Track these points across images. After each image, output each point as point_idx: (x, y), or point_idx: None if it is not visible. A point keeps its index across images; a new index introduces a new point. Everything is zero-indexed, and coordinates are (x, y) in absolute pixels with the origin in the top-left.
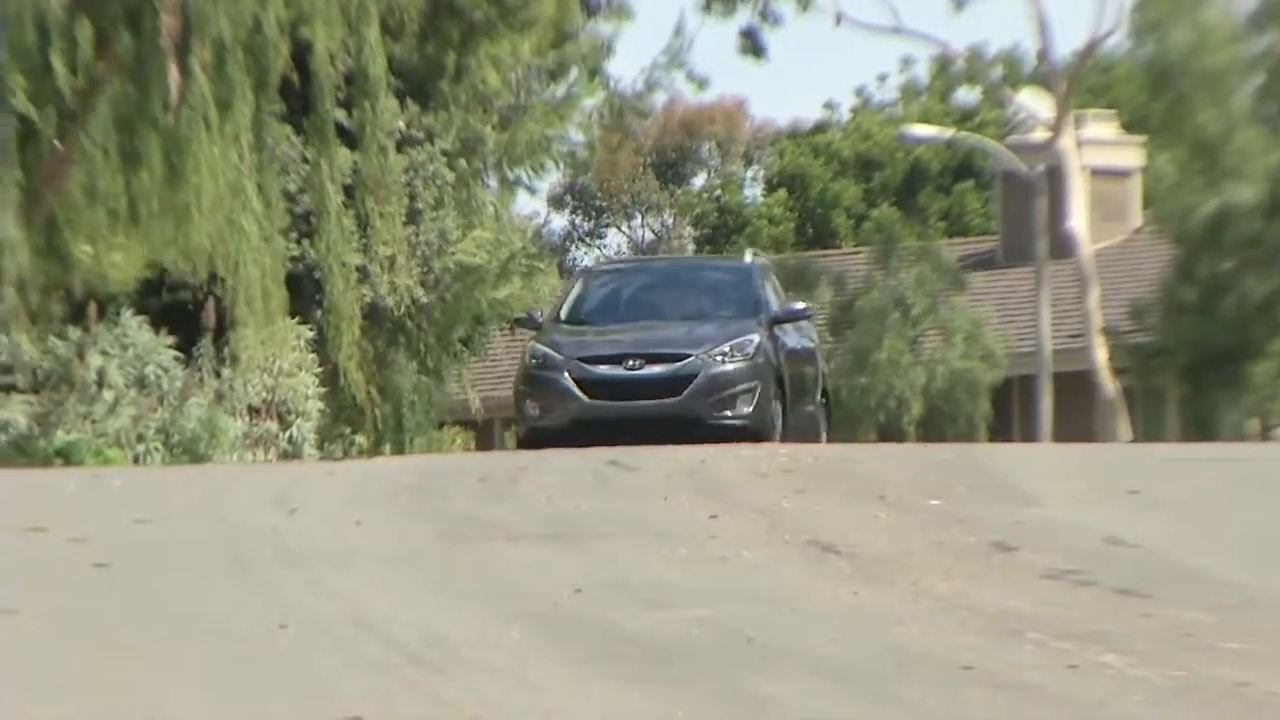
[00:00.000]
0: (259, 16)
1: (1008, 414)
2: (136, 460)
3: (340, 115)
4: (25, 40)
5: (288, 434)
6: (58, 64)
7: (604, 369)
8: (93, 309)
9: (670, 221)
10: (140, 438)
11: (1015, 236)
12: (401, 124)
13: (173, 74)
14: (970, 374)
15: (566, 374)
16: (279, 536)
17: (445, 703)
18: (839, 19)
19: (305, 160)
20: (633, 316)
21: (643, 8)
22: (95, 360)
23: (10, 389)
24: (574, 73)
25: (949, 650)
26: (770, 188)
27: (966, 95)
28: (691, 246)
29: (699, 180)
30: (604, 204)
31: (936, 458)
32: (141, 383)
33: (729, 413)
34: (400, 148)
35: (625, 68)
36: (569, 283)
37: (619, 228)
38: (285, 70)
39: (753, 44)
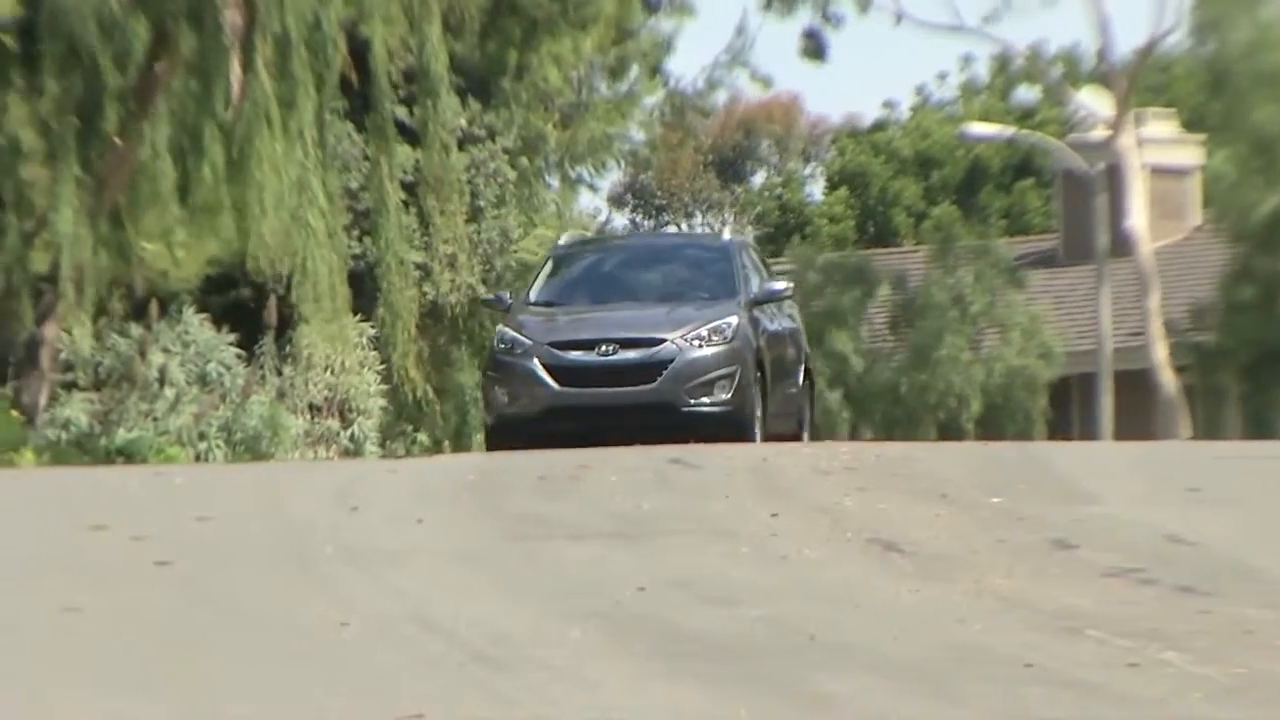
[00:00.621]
0: (319, 14)
1: (1068, 412)
2: (198, 458)
3: (402, 113)
4: (82, 35)
5: (349, 432)
6: (105, 61)
7: (575, 355)
8: (154, 306)
9: (731, 219)
10: (202, 435)
11: (1076, 234)
12: (463, 122)
13: (235, 70)
14: (1029, 371)
15: (536, 360)
16: (340, 534)
17: (507, 701)
18: (899, 18)
19: (366, 158)
20: (605, 298)
21: (703, 4)
22: (157, 358)
23: (71, 386)
24: (635, 70)
25: (1010, 648)
26: (831, 186)
27: (1026, 94)
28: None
29: (759, 178)
30: (664, 202)
31: (997, 456)
32: (203, 380)
33: (707, 399)
34: (462, 145)
35: (686, 65)
36: (539, 261)
37: (679, 226)
38: (344, 68)
39: (814, 45)
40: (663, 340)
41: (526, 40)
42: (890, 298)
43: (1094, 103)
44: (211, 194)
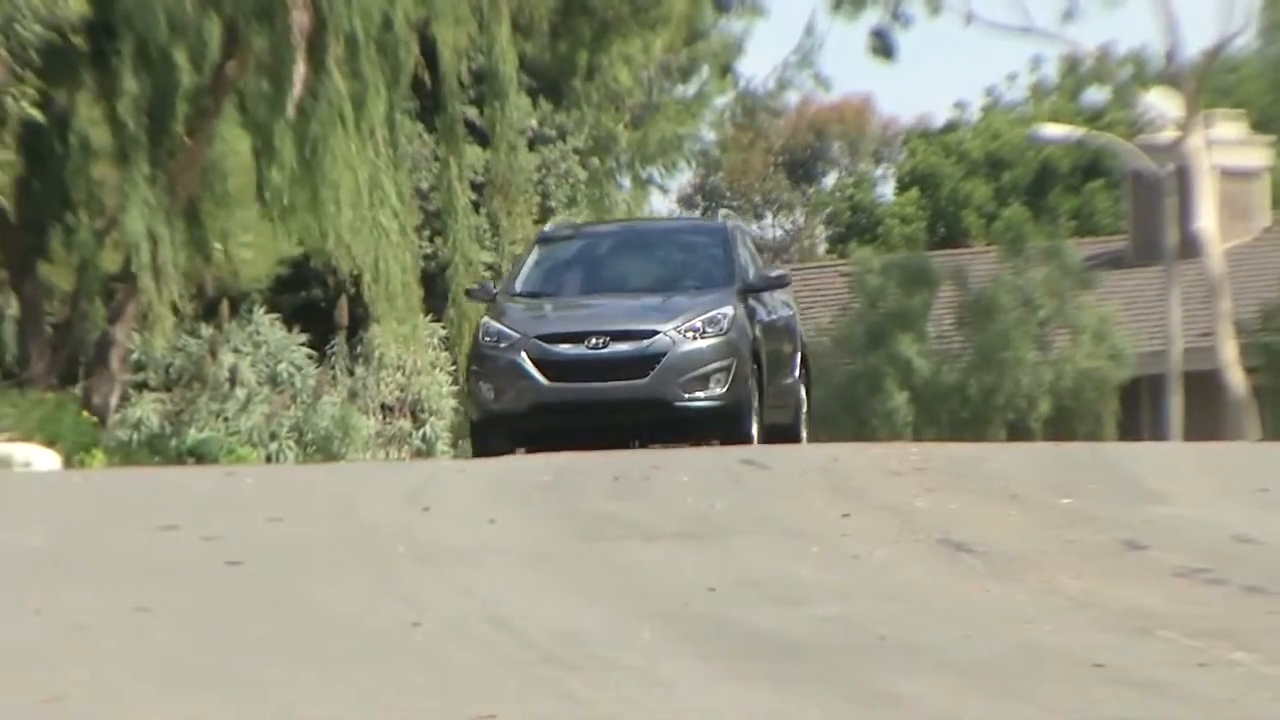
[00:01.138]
0: (389, 14)
1: (1137, 413)
2: (269, 459)
3: (472, 113)
4: (154, 35)
5: (421, 432)
6: (180, 60)
7: (564, 348)
8: (225, 306)
9: (801, 220)
10: (273, 436)
11: (1145, 235)
12: (534, 122)
13: (299, 69)
14: (1098, 372)
15: (523, 354)
16: (412, 534)
17: (579, 701)
18: (969, 19)
19: (436, 158)
20: (595, 288)
21: (774, 4)
22: (228, 358)
23: (142, 386)
24: (705, 71)
25: (1080, 648)
26: (902, 187)
27: (1096, 95)
28: (824, 246)
29: (830, 179)
30: (735, 203)
31: (1067, 456)
32: (274, 381)
33: (701, 394)
34: (533, 146)
35: (756, 66)
36: (525, 249)
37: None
38: (415, 69)
39: (883, 45)
40: (655, 332)
41: (597, 40)
42: (956, 298)
43: (1163, 104)
44: (284, 192)
